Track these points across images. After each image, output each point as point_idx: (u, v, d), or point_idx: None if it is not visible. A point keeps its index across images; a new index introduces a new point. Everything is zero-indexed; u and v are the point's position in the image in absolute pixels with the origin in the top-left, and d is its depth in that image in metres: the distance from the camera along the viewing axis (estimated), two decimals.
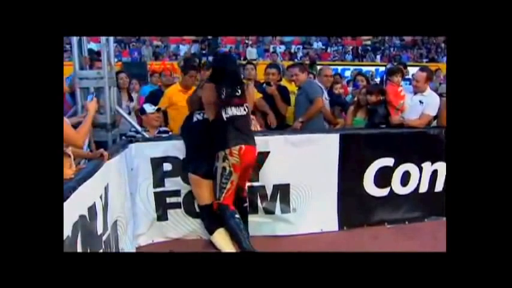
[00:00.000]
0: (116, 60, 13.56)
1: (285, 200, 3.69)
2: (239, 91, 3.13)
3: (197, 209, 3.47)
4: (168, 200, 3.58)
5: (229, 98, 3.06)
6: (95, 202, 2.18)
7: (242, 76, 4.96)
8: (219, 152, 3.07)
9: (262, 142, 3.53)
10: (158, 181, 3.52)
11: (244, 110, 3.17)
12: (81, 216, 1.94)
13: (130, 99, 4.87)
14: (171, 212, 3.60)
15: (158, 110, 3.84)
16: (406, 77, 6.08)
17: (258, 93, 4.32)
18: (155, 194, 3.53)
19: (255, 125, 3.65)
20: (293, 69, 4.50)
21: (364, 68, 13.23)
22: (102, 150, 2.64)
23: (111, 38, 3.48)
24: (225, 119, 3.06)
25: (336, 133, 3.73)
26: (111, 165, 2.72)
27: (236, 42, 17.67)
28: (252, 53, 16.20)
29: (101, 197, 2.33)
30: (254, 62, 5.97)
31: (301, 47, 17.37)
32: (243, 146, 3.07)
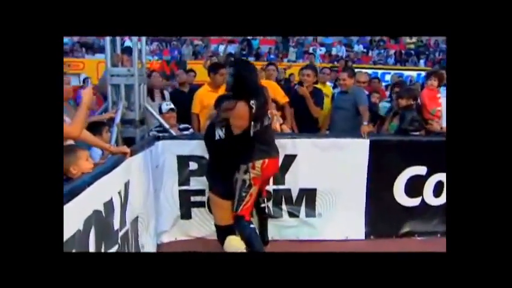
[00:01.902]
0: (156, 58, 13.85)
1: (311, 204, 3.60)
2: (262, 99, 2.93)
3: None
4: (193, 198, 3.58)
5: (259, 111, 2.89)
6: (112, 197, 2.19)
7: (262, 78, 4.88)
8: (242, 165, 2.96)
9: (289, 144, 3.47)
10: (183, 179, 3.53)
11: (269, 118, 3.04)
12: (96, 211, 1.95)
13: (163, 98, 4.92)
14: (195, 211, 3.61)
15: (172, 109, 3.84)
16: None
17: (285, 96, 4.22)
18: (180, 192, 3.55)
19: (276, 123, 3.53)
20: (342, 74, 4.31)
21: (406, 73, 12.78)
22: (124, 147, 2.66)
23: (143, 37, 3.53)
24: (251, 134, 2.89)
25: (366, 139, 3.59)
26: (133, 161, 2.74)
27: (276, 43, 17.61)
28: (291, 54, 16.08)
29: (119, 193, 2.34)
30: (275, 63, 5.76)
31: (343, 48, 17.04)
32: (266, 160, 2.95)
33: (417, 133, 3.79)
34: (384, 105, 5.03)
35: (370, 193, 3.63)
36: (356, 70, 4.97)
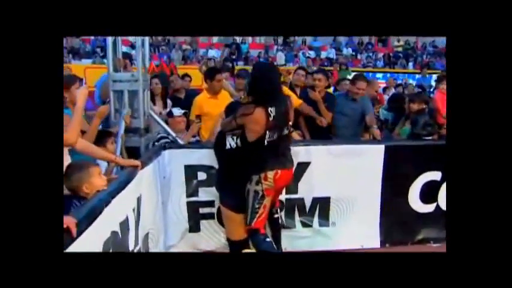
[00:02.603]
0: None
1: (324, 213, 3.47)
2: (283, 108, 2.75)
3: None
4: (201, 210, 3.41)
5: (278, 120, 2.70)
6: (127, 216, 2.01)
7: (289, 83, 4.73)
8: (253, 176, 2.80)
9: (303, 152, 3.33)
10: (192, 190, 3.35)
11: (287, 128, 2.84)
12: (113, 233, 1.78)
13: (165, 104, 4.74)
14: (204, 223, 3.43)
15: (185, 114, 3.68)
16: None
17: (297, 99, 4.09)
18: (188, 203, 3.37)
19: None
20: (360, 83, 4.11)
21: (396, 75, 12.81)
22: (133, 160, 2.47)
23: (147, 40, 3.34)
24: (266, 143, 2.72)
25: (380, 144, 3.47)
26: (144, 174, 2.56)
27: (265, 47, 17.52)
28: (280, 58, 15.98)
29: (133, 210, 2.16)
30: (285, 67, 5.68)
31: (333, 51, 17.03)
32: (279, 171, 2.77)
33: (430, 137, 3.69)
34: (381, 112, 4.95)
35: (385, 200, 3.51)
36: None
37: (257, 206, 2.78)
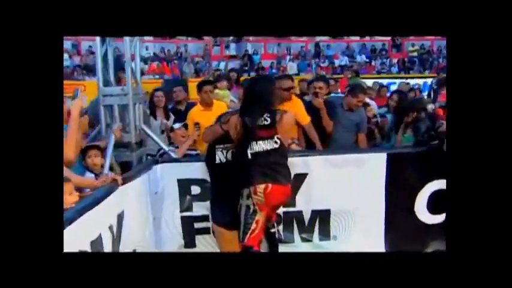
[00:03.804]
0: (158, 77, 13.69)
1: (325, 227, 3.30)
2: (268, 120, 2.67)
3: None
4: (196, 225, 3.28)
5: (254, 130, 2.63)
6: (100, 234, 1.91)
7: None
8: (244, 189, 2.69)
9: (300, 163, 3.18)
10: (186, 205, 3.24)
11: (275, 142, 2.69)
12: (81, 252, 1.68)
13: (167, 117, 4.66)
14: (199, 239, 3.30)
15: (185, 125, 3.60)
16: None
17: (307, 116, 3.88)
18: (182, 218, 3.26)
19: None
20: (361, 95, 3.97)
21: (412, 81, 12.50)
22: (112, 174, 2.39)
23: (137, 54, 3.30)
24: (249, 156, 2.64)
25: (383, 152, 3.29)
26: (128, 189, 2.47)
27: (277, 58, 17.47)
28: (292, 67, 15.89)
29: (110, 228, 2.06)
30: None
31: (346, 59, 16.84)
32: (269, 185, 2.63)
33: (435, 142, 3.49)
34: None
35: (389, 212, 3.33)
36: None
37: (249, 222, 2.65)
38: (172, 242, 3.26)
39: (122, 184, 2.33)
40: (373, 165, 3.25)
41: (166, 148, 3.31)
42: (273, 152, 2.69)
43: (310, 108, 3.99)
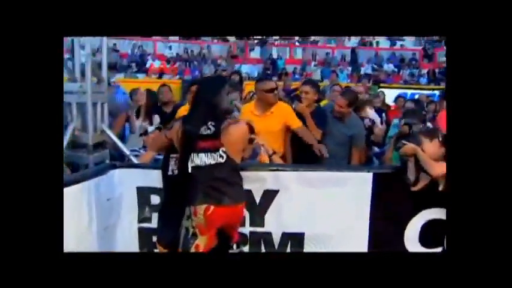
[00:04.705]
0: (178, 77, 13.53)
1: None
2: (211, 129, 2.29)
3: None
4: (155, 239, 2.98)
5: (194, 139, 2.29)
6: None
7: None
8: (186, 208, 2.38)
9: (270, 178, 2.82)
10: (144, 216, 2.94)
11: (220, 156, 2.31)
12: None
13: (150, 118, 4.38)
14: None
15: (159, 128, 3.32)
16: None
17: (298, 120, 3.53)
18: (139, 230, 2.96)
19: (263, 154, 2.91)
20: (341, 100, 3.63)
21: (438, 92, 11.80)
22: None
23: (104, 47, 3.04)
24: (189, 169, 2.30)
25: (367, 171, 2.87)
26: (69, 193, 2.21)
27: (302, 63, 17.06)
28: (316, 73, 15.45)
29: None
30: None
31: (371, 67, 16.23)
32: (211, 207, 2.29)
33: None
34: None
35: (374, 241, 2.89)
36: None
37: (188, 246, 2.31)
38: None
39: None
40: (356, 187, 2.83)
41: (127, 152, 3.02)
42: (217, 167, 2.31)
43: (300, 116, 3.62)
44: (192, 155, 2.29)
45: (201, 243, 2.32)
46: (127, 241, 2.95)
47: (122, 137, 3.90)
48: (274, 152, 3.14)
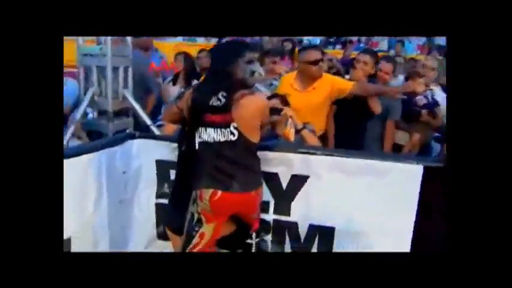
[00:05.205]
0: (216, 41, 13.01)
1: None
2: (222, 100, 1.96)
3: None
4: None
5: (201, 111, 2.00)
6: None
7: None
8: (193, 191, 2.10)
9: (298, 162, 2.46)
10: (162, 191, 2.74)
11: (231, 133, 1.99)
12: None
13: (188, 84, 4.16)
14: None
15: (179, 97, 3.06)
16: None
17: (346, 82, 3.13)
18: (157, 205, 2.77)
19: (288, 128, 2.51)
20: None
21: None
22: None
23: None
24: (196, 145, 2.02)
25: (418, 164, 2.40)
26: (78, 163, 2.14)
27: None
28: (382, 42, 14.31)
29: None
30: None
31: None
32: (218, 192, 2.01)
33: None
34: None
35: (418, 245, 2.45)
36: None
37: (192, 234, 2.05)
38: (144, 231, 2.80)
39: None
40: (402, 180, 2.37)
41: (148, 122, 2.79)
42: (227, 145, 1.99)
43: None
44: (199, 128, 2.00)
45: (207, 232, 2.06)
46: (145, 217, 2.79)
47: (158, 108, 3.74)
48: (304, 127, 2.74)
